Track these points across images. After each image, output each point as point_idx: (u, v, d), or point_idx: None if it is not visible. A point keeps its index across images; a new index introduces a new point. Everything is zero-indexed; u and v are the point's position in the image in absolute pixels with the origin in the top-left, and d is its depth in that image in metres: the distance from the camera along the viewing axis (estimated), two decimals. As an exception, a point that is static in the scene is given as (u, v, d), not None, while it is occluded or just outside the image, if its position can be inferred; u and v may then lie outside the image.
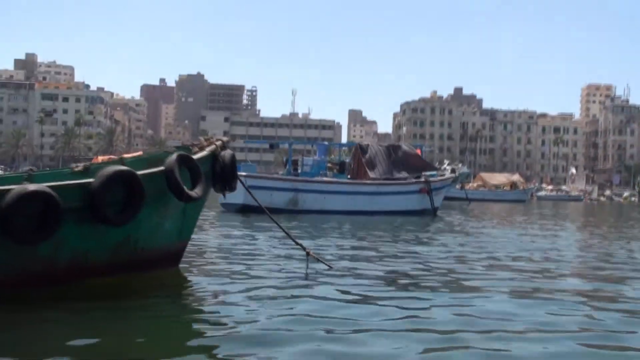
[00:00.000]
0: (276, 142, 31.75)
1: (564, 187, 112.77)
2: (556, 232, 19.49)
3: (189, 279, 7.64)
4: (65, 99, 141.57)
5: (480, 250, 12.21)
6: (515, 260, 10.55)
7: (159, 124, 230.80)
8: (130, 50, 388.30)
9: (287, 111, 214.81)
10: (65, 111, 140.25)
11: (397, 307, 6.03)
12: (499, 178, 76.90)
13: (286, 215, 22.25)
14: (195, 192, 6.96)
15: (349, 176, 26.48)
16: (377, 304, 6.15)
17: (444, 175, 31.01)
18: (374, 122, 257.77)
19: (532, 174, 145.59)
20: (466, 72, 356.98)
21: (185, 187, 6.71)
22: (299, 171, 25.99)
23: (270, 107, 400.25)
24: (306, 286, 7.16)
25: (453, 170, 30.03)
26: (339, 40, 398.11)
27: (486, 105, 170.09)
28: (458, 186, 59.56)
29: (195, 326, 5.36)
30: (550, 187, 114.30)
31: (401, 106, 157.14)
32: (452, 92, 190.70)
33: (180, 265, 8.06)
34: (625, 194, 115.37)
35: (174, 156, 6.74)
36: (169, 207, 7.04)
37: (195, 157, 7.21)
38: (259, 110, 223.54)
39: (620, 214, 44.43)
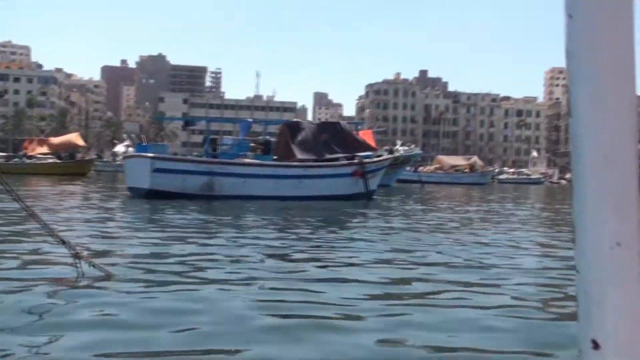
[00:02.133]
0: (191, 119, 29.03)
1: (525, 170, 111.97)
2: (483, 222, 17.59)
3: None
4: (17, 79, 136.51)
5: (368, 248, 10.12)
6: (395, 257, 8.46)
7: (120, 106, 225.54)
8: (90, 31, 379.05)
9: (252, 94, 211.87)
10: (16, 92, 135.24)
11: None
12: (457, 160, 75.15)
13: (201, 201, 19.97)
14: None
15: (275, 157, 24.14)
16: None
17: (382, 155, 28.99)
18: (340, 105, 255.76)
19: (495, 157, 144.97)
20: (432, 55, 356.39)
21: None
22: (218, 151, 23.58)
23: (235, 89, 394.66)
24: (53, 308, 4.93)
25: (390, 151, 27.82)
26: (305, 22, 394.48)
27: (452, 88, 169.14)
28: (410, 168, 57.91)
29: None
30: (511, 170, 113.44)
31: (365, 88, 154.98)
32: (417, 74, 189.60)
33: None
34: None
35: None
36: None
37: None
38: (224, 93, 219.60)
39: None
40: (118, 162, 32.23)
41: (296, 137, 24.29)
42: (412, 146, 55.51)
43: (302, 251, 9.25)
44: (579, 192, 0.60)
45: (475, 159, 77.39)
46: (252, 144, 25.03)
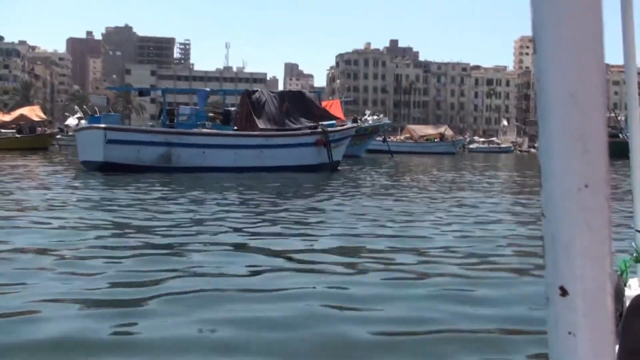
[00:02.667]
0: (146, 89, 27.95)
1: (495, 139, 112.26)
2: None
3: None
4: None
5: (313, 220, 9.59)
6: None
7: (86, 78, 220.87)
8: (55, 2, 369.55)
9: (222, 65, 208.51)
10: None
11: None
12: (426, 130, 74.74)
13: (158, 174, 19.19)
14: None
15: (235, 127, 23.37)
16: None
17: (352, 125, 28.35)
18: (311, 76, 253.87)
19: (465, 127, 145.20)
20: (403, 24, 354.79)
21: None
22: (175, 122, 22.69)
23: (204, 61, 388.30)
24: None
25: (355, 120, 27.18)
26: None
27: (423, 58, 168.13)
28: (379, 138, 57.47)
29: None
30: (481, 139, 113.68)
31: (335, 58, 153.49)
32: (388, 44, 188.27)
33: None
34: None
35: None
36: None
37: None
38: (193, 65, 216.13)
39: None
40: (70, 135, 31.03)
41: (257, 106, 23.54)
42: (381, 116, 54.99)
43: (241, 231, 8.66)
44: (545, 133, 0.59)
45: (445, 128, 77.14)
46: (211, 114, 24.22)
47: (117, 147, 20.02)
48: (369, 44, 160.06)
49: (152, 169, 20.25)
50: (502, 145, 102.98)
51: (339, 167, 25.15)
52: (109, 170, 19.66)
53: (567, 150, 0.56)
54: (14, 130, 48.77)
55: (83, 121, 23.23)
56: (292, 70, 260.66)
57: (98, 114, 21.78)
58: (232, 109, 24.71)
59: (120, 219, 9.51)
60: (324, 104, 58.67)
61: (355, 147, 48.97)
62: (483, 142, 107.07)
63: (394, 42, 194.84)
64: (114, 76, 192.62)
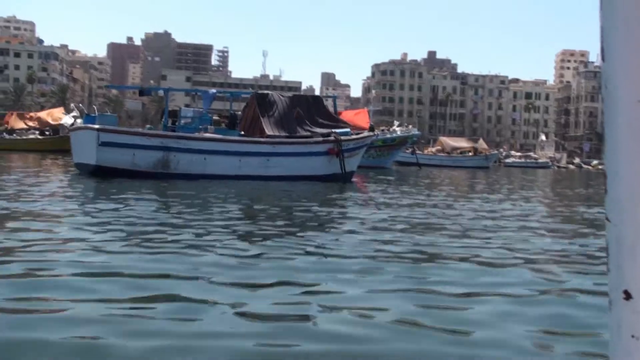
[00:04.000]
0: (147, 88, 26.61)
1: (532, 154, 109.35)
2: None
3: None
4: (17, 55, 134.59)
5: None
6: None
7: (126, 83, 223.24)
8: (97, 7, 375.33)
9: (259, 73, 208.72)
10: (17, 67, 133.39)
11: None
12: (460, 143, 72.52)
13: (154, 180, 17.86)
14: None
15: (242, 132, 21.94)
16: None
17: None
18: (348, 86, 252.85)
19: (502, 141, 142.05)
20: (442, 36, 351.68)
21: None
22: (177, 125, 21.35)
23: (242, 69, 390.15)
24: None
25: (371, 129, 25.53)
26: (313, 2, 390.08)
27: (461, 70, 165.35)
28: (408, 150, 55.64)
29: None
30: (518, 154, 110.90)
31: (371, 68, 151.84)
32: (425, 56, 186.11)
33: None
34: (595, 161, 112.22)
35: None
36: None
37: None
38: (230, 72, 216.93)
39: (571, 180, 40.80)
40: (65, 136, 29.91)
41: (266, 110, 22.10)
42: (410, 127, 53.14)
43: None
44: (611, 138, 0.57)
45: (479, 141, 74.85)
46: (216, 117, 22.83)
47: (111, 150, 18.73)
48: (405, 54, 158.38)
49: (149, 174, 18.93)
50: (540, 161, 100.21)
51: (352, 179, 23.54)
52: (102, 174, 18.41)
53: (634, 155, 0.54)
54: (38, 132, 48.38)
55: (79, 120, 22.00)
56: (328, 79, 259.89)
57: (95, 113, 20.59)
58: (239, 112, 23.32)
59: (97, 233, 8.11)
60: (350, 112, 57.48)
61: (381, 158, 47.33)
62: (520, 157, 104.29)
63: (432, 54, 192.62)
64: (152, 81, 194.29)
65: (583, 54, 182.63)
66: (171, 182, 18.03)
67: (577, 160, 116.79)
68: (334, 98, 25.22)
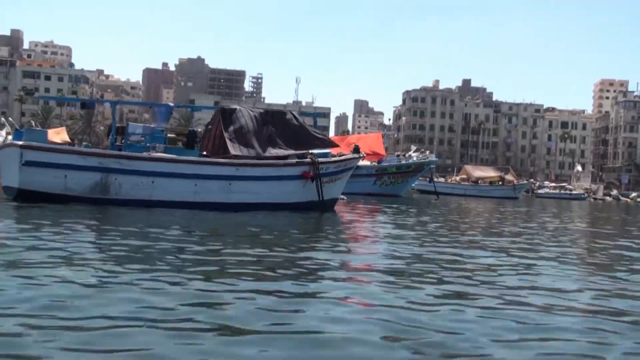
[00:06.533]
0: (90, 100, 23.94)
1: (566, 185, 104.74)
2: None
3: None
4: (48, 78, 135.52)
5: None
6: None
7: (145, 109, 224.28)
8: (134, 33, 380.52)
9: (292, 100, 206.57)
10: (47, 90, 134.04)
11: None
12: (485, 171, 68.76)
13: (90, 207, 15.14)
14: None
15: (204, 153, 19.12)
16: None
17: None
18: (381, 113, 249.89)
19: (536, 170, 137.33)
20: (477, 64, 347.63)
21: None
22: (123, 142, 18.61)
23: (276, 95, 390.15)
24: None
25: (356, 150, 22.49)
26: (347, 29, 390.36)
27: (496, 99, 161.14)
28: (423, 178, 52.39)
29: None
30: (552, 184, 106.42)
31: (402, 95, 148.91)
32: (460, 84, 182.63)
33: None
34: (634, 194, 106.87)
35: None
36: None
37: None
38: (264, 98, 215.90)
39: (599, 211, 37.02)
40: None
41: (232, 127, 19.28)
42: (427, 152, 49.96)
43: None
44: None
45: (507, 170, 70.98)
46: (172, 135, 20.00)
47: (38, 170, 16.01)
48: (437, 81, 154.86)
49: (85, 200, 16.18)
50: (574, 192, 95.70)
51: (334, 208, 20.52)
52: (27, 200, 15.75)
53: None
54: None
55: (10, 137, 19.36)
56: (361, 106, 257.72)
57: (26, 128, 18.03)
58: (199, 129, 20.52)
59: None
60: (361, 136, 54.51)
61: (395, 185, 44.23)
62: (554, 188, 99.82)
63: (466, 82, 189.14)
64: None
65: (622, 83, 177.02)
66: (110, 209, 15.31)
67: (614, 192, 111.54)
68: (316, 115, 22.34)
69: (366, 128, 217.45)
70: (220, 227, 13.50)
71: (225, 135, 18.94)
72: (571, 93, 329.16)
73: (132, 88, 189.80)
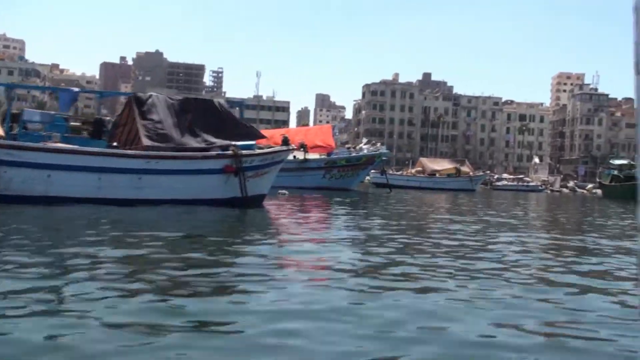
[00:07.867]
0: None
1: (524, 177, 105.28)
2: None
3: None
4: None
5: None
6: None
7: (117, 102, 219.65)
8: (90, 27, 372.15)
9: (253, 94, 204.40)
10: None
11: None
12: (440, 164, 67.98)
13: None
14: None
15: (115, 144, 17.49)
16: None
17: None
18: (343, 107, 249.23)
19: (495, 163, 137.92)
20: (437, 58, 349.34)
21: None
22: (18, 131, 16.86)
23: (237, 89, 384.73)
24: None
25: (285, 142, 21.08)
26: (309, 22, 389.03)
27: (455, 92, 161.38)
28: (375, 170, 51.24)
29: None
30: (511, 176, 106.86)
31: (362, 89, 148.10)
32: (420, 77, 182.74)
33: None
34: (590, 185, 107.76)
35: None
36: None
37: None
38: (225, 92, 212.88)
39: (552, 203, 36.33)
40: None
41: (146, 116, 17.68)
42: (378, 145, 48.74)
43: None
44: None
45: (463, 162, 70.39)
46: (75, 123, 18.26)
47: None
48: (397, 74, 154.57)
49: None
50: (531, 184, 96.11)
51: (261, 204, 19.04)
52: None
53: None
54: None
55: None
56: (323, 101, 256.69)
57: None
58: (107, 118, 18.83)
59: None
60: (310, 128, 53.15)
61: (345, 179, 42.87)
62: (512, 180, 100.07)
63: (427, 75, 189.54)
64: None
65: (579, 76, 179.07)
66: None
67: (571, 183, 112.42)
68: (241, 104, 20.90)
69: (327, 122, 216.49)
70: (126, 227, 11.99)
71: (138, 124, 17.35)
72: (529, 86, 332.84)
73: (88, 82, 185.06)
